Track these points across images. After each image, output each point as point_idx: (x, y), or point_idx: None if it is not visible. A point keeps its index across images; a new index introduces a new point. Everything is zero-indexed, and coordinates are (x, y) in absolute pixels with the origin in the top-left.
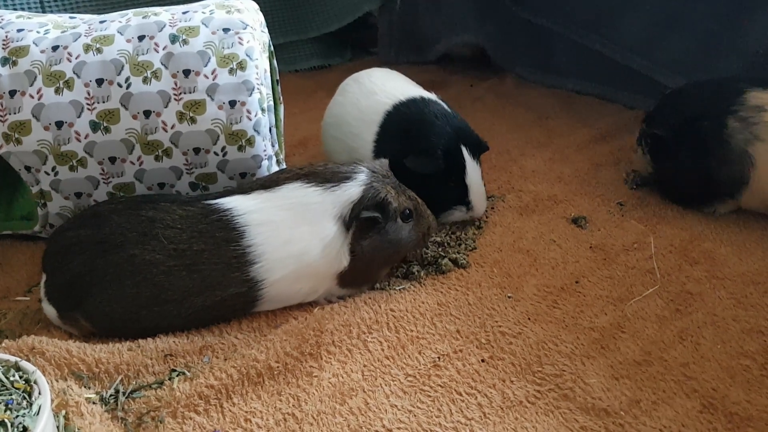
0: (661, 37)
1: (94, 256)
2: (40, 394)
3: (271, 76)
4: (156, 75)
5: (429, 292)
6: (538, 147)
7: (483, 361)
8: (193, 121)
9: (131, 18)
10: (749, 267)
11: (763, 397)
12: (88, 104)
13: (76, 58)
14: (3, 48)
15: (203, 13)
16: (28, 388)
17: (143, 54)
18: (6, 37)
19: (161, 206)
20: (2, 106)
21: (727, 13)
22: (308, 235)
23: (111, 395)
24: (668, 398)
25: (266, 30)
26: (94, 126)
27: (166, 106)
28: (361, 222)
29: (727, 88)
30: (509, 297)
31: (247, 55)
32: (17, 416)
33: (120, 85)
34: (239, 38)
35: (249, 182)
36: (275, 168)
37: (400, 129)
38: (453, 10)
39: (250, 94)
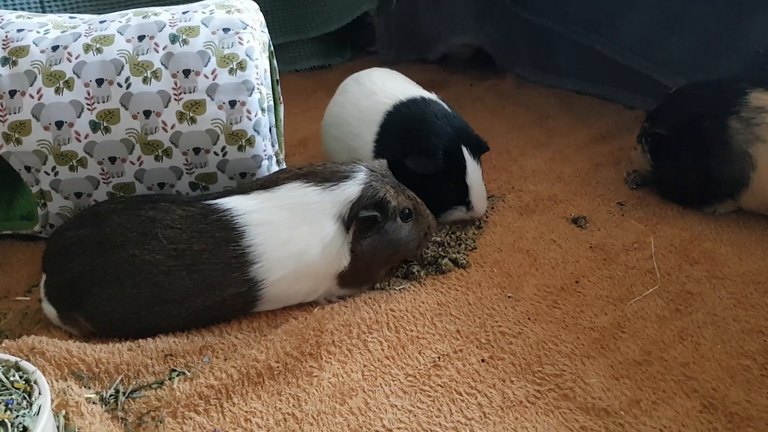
0: (661, 37)
1: (94, 256)
2: (40, 394)
3: (271, 76)
4: (156, 75)
5: (429, 292)
6: (538, 147)
7: (483, 361)
8: (193, 121)
9: (131, 18)
10: (749, 267)
11: (763, 397)
12: (88, 104)
13: (76, 58)
14: (3, 48)
15: (203, 13)
16: (28, 388)
17: (143, 54)
18: (6, 37)
19: (161, 206)
20: (2, 106)
21: (727, 13)
22: (308, 234)
23: (111, 395)
24: (668, 398)
25: (266, 30)
26: (94, 126)
27: (166, 106)
28: (360, 221)
29: (729, 89)
30: (509, 297)
31: (247, 55)
32: (17, 416)
33: (120, 85)
34: (239, 38)
35: (248, 182)
36: (275, 168)
37: (401, 129)
38: (453, 10)
39: (250, 94)
